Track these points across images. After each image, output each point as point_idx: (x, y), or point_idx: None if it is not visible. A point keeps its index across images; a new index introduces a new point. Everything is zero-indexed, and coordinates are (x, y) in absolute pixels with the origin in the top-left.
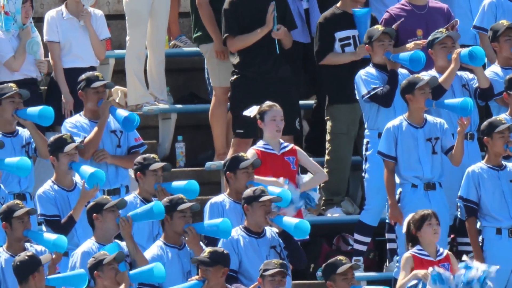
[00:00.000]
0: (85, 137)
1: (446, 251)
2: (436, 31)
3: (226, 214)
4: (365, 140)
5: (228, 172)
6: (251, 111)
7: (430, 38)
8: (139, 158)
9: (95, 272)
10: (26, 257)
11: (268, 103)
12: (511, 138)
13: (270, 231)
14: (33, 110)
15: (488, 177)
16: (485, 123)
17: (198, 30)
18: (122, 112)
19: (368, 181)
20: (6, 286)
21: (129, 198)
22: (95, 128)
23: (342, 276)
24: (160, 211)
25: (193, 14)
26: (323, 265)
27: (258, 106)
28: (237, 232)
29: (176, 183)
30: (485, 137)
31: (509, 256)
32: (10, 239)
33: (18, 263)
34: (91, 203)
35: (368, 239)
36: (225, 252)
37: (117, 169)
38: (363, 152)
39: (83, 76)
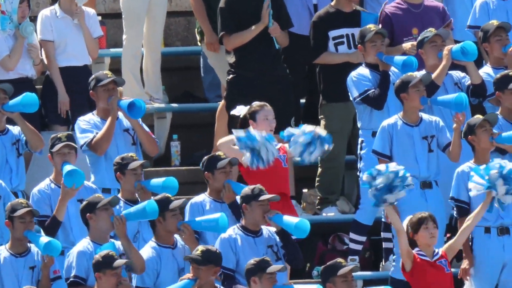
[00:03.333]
0: (97, 133)
1: (440, 250)
2: (425, 30)
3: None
4: (359, 139)
5: (206, 172)
6: (239, 111)
7: (419, 38)
8: (117, 158)
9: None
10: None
11: (258, 102)
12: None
13: (267, 230)
14: (16, 99)
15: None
16: (465, 125)
17: (199, 26)
18: (127, 101)
19: (362, 180)
20: (2, 285)
21: None
22: (107, 122)
23: (342, 278)
24: (154, 210)
25: None
26: (322, 267)
27: (246, 106)
28: (234, 231)
29: (154, 181)
30: (469, 137)
31: (498, 254)
32: (13, 238)
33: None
34: (84, 203)
35: (363, 238)
36: (217, 251)
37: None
38: (358, 151)
39: (93, 76)
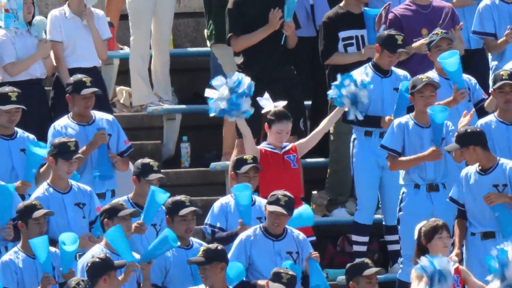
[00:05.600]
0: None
1: (457, 265)
2: (432, 33)
3: (230, 217)
4: (352, 137)
5: (232, 173)
6: (265, 104)
7: (427, 40)
8: (138, 163)
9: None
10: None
11: (280, 111)
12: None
13: (292, 236)
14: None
15: (474, 181)
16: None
17: (212, 28)
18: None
19: (356, 180)
20: (23, 286)
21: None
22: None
23: (367, 279)
24: (175, 238)
25: (206, 10)
26: (348, 264)
27: (273, 103)
28: (254, 232)
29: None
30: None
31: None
32: (25, 239)
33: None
34: (106, 207)
35: (366, 239)
36: (219, 247)
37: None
38: (350, 150)
39: (71, 80)
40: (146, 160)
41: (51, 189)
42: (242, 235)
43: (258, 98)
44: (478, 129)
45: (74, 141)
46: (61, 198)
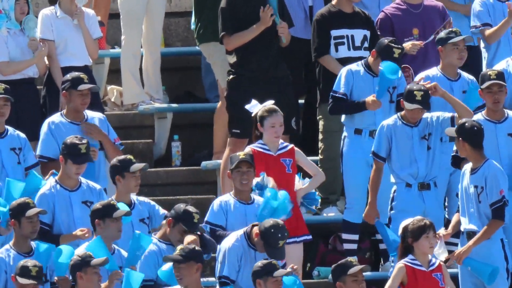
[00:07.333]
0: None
1: (438, 261)
2: (450, 29)
3: (230, 215)
4: (343, 135)
5: (228, 172)
6: (252, 107)
7: (442, 34)
8: (114, 162)
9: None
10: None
11: (269, 107)
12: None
13: None
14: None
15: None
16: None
17: (200, 27)
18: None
19: (346, 179)
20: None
21: None
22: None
23: (352, 277)
24: (148, 240)
25: (198, 7)
26: (333, 265)
27: (261, 105)
28: (241, 241)
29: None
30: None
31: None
32: (18, 237)
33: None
34: (98, 206)
35: (356, 237)
36: (196, 248)
37: (98, 172)
38: (341, 147)
39: (68, 77)
40: (121, 156)
41: (58, 186)
42: (229, 245)
43: (246, 106)
44: (476, 127)
45: (85, 144)
46: (68, 195)
